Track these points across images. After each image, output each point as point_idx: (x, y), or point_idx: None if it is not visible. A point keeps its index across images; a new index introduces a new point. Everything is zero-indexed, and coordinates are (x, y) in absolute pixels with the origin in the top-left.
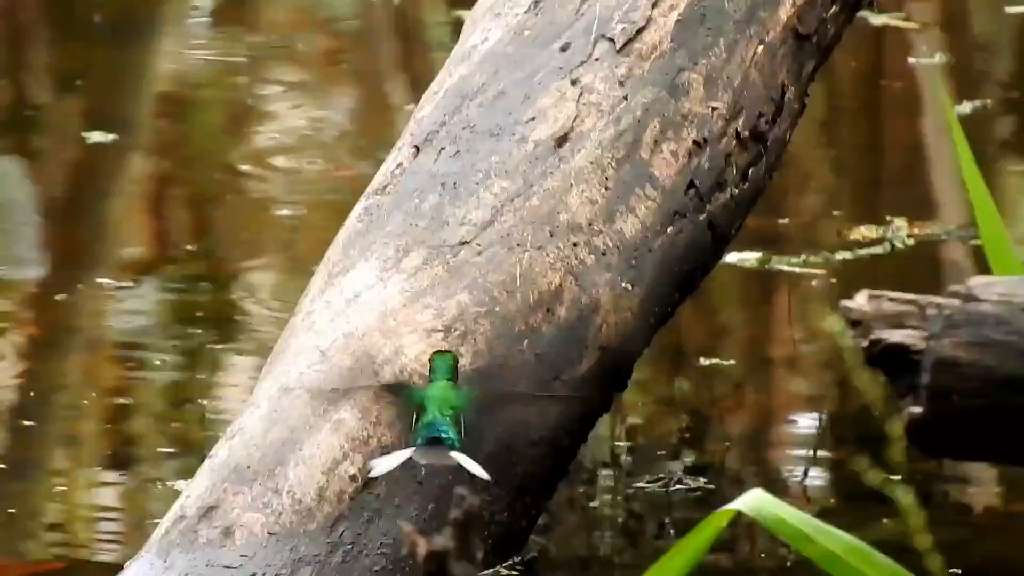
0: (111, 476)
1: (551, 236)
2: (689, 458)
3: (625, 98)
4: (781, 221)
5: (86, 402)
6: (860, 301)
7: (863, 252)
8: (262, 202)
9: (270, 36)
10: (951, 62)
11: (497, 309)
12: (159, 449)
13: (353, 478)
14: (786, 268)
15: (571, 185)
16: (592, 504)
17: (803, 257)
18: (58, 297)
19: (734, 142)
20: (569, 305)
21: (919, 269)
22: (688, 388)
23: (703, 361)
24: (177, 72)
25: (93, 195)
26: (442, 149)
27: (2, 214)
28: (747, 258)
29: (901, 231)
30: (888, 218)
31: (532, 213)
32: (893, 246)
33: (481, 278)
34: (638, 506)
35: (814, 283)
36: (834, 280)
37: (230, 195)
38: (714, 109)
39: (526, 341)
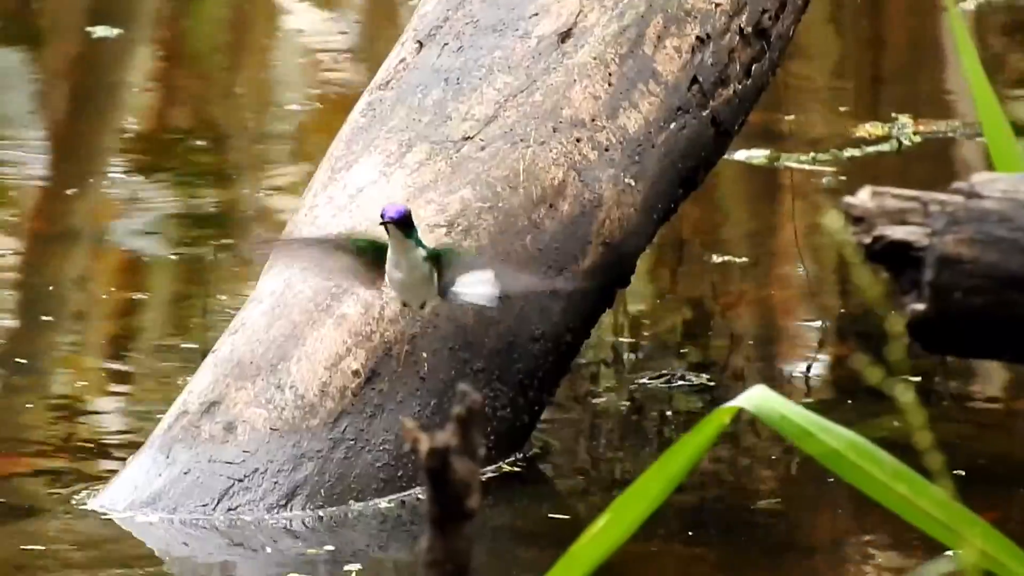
0: (114, 371)
1: (554, 132)
2: (691, 354)
3: None
4: (788, 118)
5: (91, 297)
6: (863, 197)
7: (871, 149)
8: (267, 96)
9: None
10: None
11: (500, 204)
12: (162, 344)
13: (356, 373)
14: (795, 165)
15: (574, 80)
16: (594, 400)
17: (812, 155)
18: (67, 192)
19: (737, 38)
20: (572, 200)
21: (927, 166)
22: (691, 284)
23: (707, 257)
24: None
25: (98, 89)
26: (445, 44)
27: (7, 108)
28: (756, 155)
29: (907, 128)
30: (893, 115)
31: (535, 108)
32: (900, 143)
33: (484, 173)
34: (640, 402)
35: (824, 180)
36: (843, 177)
37: (236, 88)
38: (717, 5)
39: (529, 236)
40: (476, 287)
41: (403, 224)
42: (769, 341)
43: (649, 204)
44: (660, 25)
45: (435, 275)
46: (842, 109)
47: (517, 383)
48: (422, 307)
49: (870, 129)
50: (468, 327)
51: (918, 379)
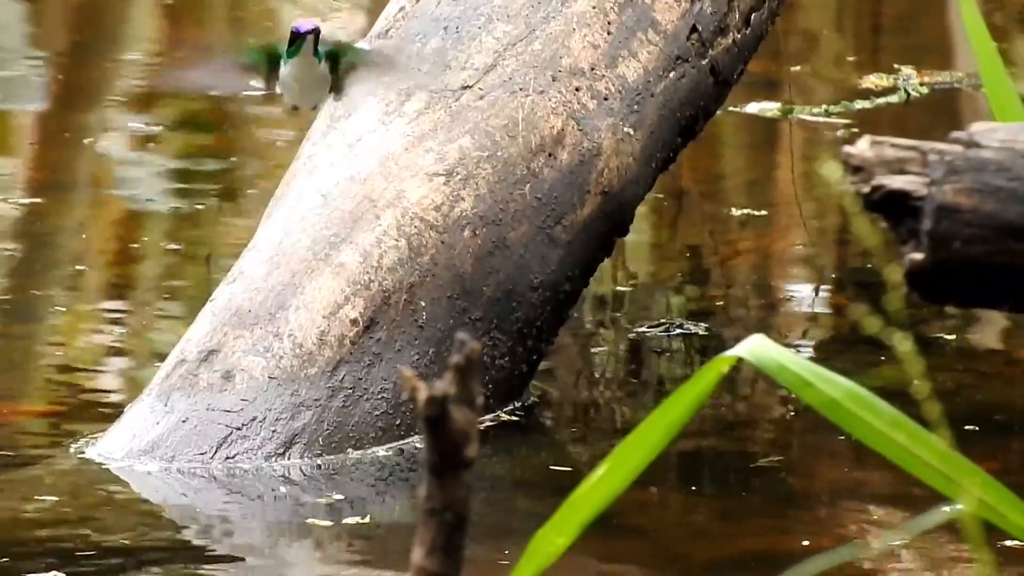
0: (113, 319)
1: (553, 80)
2: (690, 303)
3: None
4: (794, 69)
5: (90, 246)
6: (861, 147)
7: (880, 101)
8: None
9: None
10: None
11: (499, 153)
12: (161, 293)
13: (354, 322)
14: (808, 118)
15: (573, 29)
16: (593, 349)
17: (824, 107)
18: (67, 139)
19: None
20: (571, 149)
21: (937, 117)
22: (691, 233)
23: (725, 210)
24: None
25: (98, 35)
26: None
27: (6, 52)
28: (768, 108)
29: (912, 79)
30: (895, 66)
31: (534, 57)
32: (908, 94)
33: (483, 122)
34: (639, 351)
35: (838, 133)
36: (855, 129)
37: (237, 36)
38: None
39: (528, 185)
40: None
41: (316, 39)
42: (768, 290)
43: (648, 153)
44: None
45: (330, 75)
46: (847, 59)
47: (516, 332)
48: (314, 108)
49: (876, 80)
50: (466, 276)
51: (916, 329)
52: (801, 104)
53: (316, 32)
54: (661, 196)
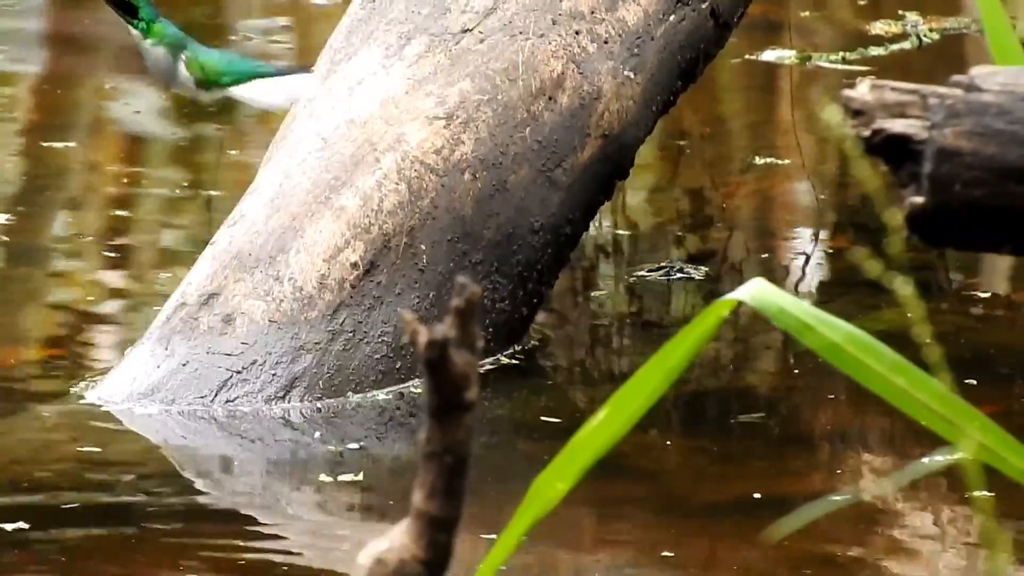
0: (112, 263)
1: (553, 24)
2: (690, 247)
3: None
4: (803, 14)
5: (89, 189)
6: (861, 91)
7: (894, 47)
8: None
9: None
10: None
11: (499, 97)
12: (161, 235)
13: (354, 266)
14: (827, 65)
15: None
16: (593, 293)
17: (841, 54)
18: (59, 91)
19: None
20: (571, 93)
21: (952, 62)
22: (691, 176)
23: (751, 159)
24: None
25: None
26: None
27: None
28: (785, 56)
29: (920, 26)
30: (900, 12)
31: (534, 0)
32: (920, 40)
33: (483, 66)
34: (639, 295)
35: (857, 80)
36: (873, 77)
37: None
38: None
39: (528, 128)
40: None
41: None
42: (768, 234)
43: (648, 96)
44: None
45: (179, 67)
46: (850, 4)
47: (516, 275)
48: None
49: (885, 27)
50: (467, 219)
51: (917, 272)
52: (815, 51)
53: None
54: (661, 138)
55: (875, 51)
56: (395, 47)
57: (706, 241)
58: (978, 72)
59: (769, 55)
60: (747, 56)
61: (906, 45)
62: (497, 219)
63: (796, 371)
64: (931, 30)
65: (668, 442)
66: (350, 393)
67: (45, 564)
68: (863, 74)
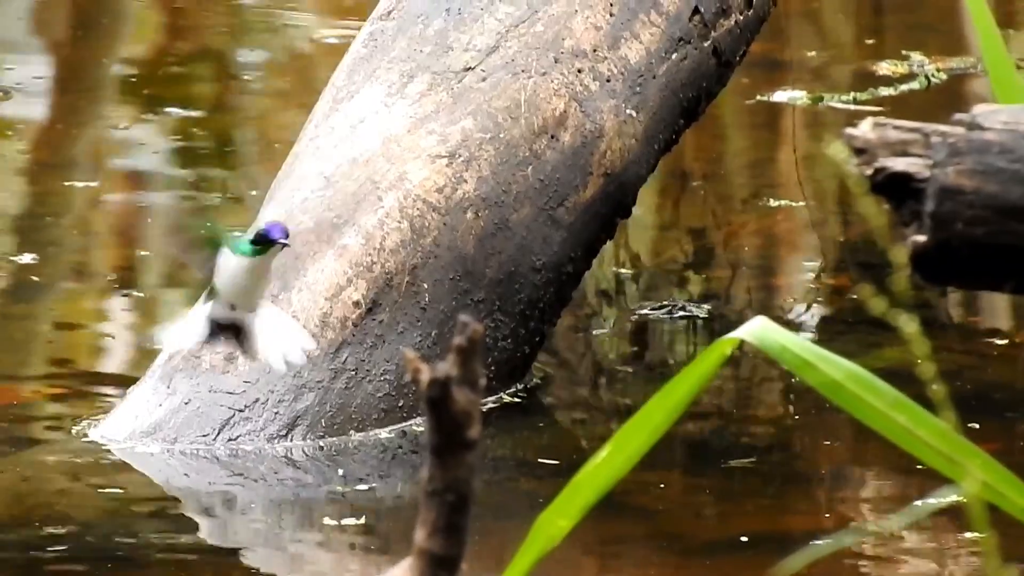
0: (115, 301)
1: (555, 62)
2: (693, 285)
3: None
4: (810, 54)
5: (93, 228)
6: (864, 129)
7: (904, 87)
8: (271, 23)
9: None
10: None
11: (501, 135)
12: (163, 274)
13: (357, 304)
14: (839, 105)
15: (575, 11)
16: (595, 331)
17: (852, 95)
18: (69, 121)
19: None
20: (573, 131)
21: (962, 101)
22: (693, 215)
23: (762, 201)
24: None
25: (99, 12)
26: None
27: (7, 32)
28: (797, 96)
29: (926, 65)
30: (904, 52)
31: (536, 39)
32: (928, 80)
33: (485, 104)
34: (642, 333)
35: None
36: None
37: (238, 17)
38: None
39: (530, 167)
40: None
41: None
42: (770, 273)
43: (650, 134)
44: None
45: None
46: (852, 43)
47: (518, 313)
48: (240, 309)
49: (891, 67)
50: (469, 257)
51: (918, 310)
52: (822, 91)
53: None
54: (663, 177)
55: (885, 91)
56: (397, 85)
57: (708, 280)
58: (980, 110)
59: (780, 96)
60: (759, 97)
61: (915, 85)
62: (499, 257)
63: (798, 409)
64: (938, 70)
65: (669, 480)
66: (352, 431)
67: None
68: (872, 114)
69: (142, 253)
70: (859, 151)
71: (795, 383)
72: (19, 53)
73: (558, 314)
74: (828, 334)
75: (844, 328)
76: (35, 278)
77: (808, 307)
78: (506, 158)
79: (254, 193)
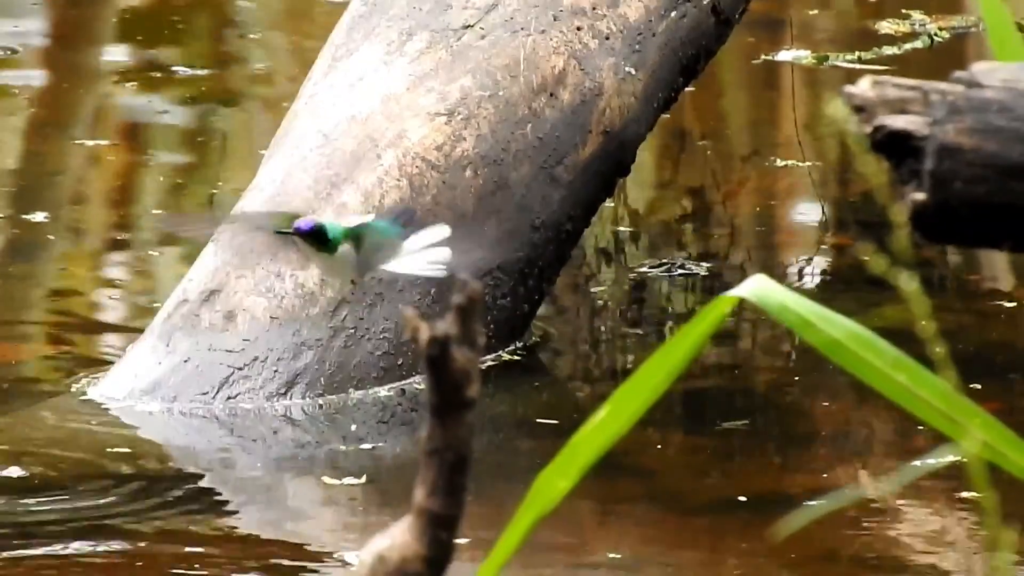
0: (114, 259)
1: (554, 20)
2: (692, 244)
3: None
4: (811, 12)
5: (92, 185)
6: (863, 87)
7: (908, 46)
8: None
9: None
10: None
11: (500, 93)
12: (163, 232)
13: None
14: (845, 64)
15: None
16: (595, 290)
17: (857, 54)
18: (68, 79)
19: None
20: (572, 89)
21: (966, 60)
22: (692, 174)
23: (768, 162)
24: None
25: None
26: None
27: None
28: (802, 56)
29: (928, 24)
30: (904, 12)
31: None
32: (932, 39)
33: (484, 62)
34: (641, 292)
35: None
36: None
37: None
38: None
39: (529, 125)
40: (411, 265)
41: (313, 237)
42: (770, 231)
43: (649, 93)
44: None
45: (354, 259)
46: (848, 0)
47: (517, 272)
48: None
49: (893, 26)
50: (468, 216)
51: (918, 269)
52: (821, 50)
53: (315, 230)
54: (663, 135)
55: (889, 50)
56: (396, 43)
57: (708, 238)
58: (979, 68)
59: (785, 55)
60: (764, 57)
61: (918, 44)
62: (498, 216)
63: (797, 368)
64: (941, 29)
65: (668, 440)
66: (351, 390)
67: (47, 559)
68: (874, 73)
69: (141, 209)
70: (858, 109)
71: (795, 342)
72: (19, 17)
73: (557, 273)
74: (828, 292)
75: (844, 287)
76: (38, 237)
77: (808, 265)
78: (505, 116)
79: (262, 153)
